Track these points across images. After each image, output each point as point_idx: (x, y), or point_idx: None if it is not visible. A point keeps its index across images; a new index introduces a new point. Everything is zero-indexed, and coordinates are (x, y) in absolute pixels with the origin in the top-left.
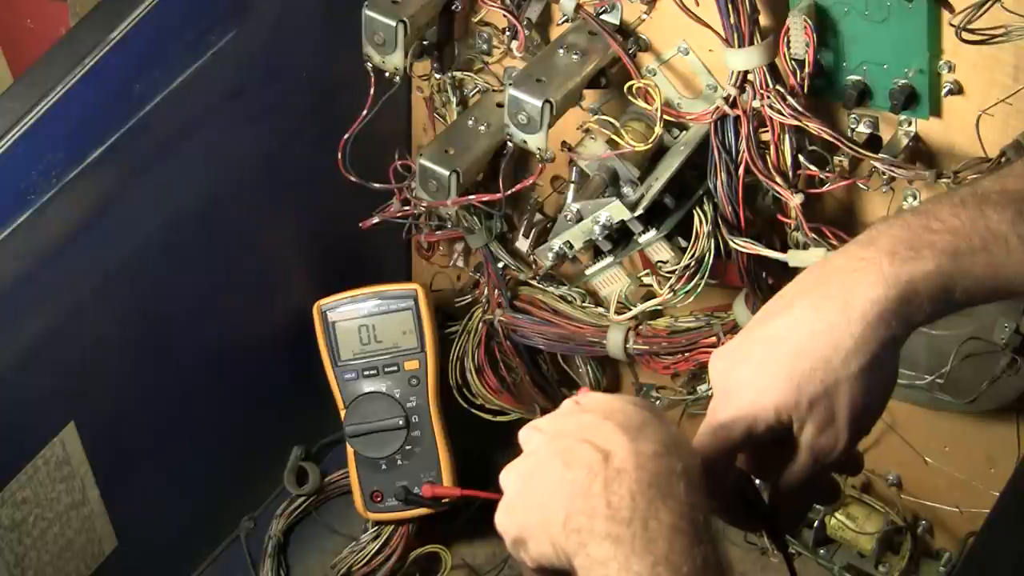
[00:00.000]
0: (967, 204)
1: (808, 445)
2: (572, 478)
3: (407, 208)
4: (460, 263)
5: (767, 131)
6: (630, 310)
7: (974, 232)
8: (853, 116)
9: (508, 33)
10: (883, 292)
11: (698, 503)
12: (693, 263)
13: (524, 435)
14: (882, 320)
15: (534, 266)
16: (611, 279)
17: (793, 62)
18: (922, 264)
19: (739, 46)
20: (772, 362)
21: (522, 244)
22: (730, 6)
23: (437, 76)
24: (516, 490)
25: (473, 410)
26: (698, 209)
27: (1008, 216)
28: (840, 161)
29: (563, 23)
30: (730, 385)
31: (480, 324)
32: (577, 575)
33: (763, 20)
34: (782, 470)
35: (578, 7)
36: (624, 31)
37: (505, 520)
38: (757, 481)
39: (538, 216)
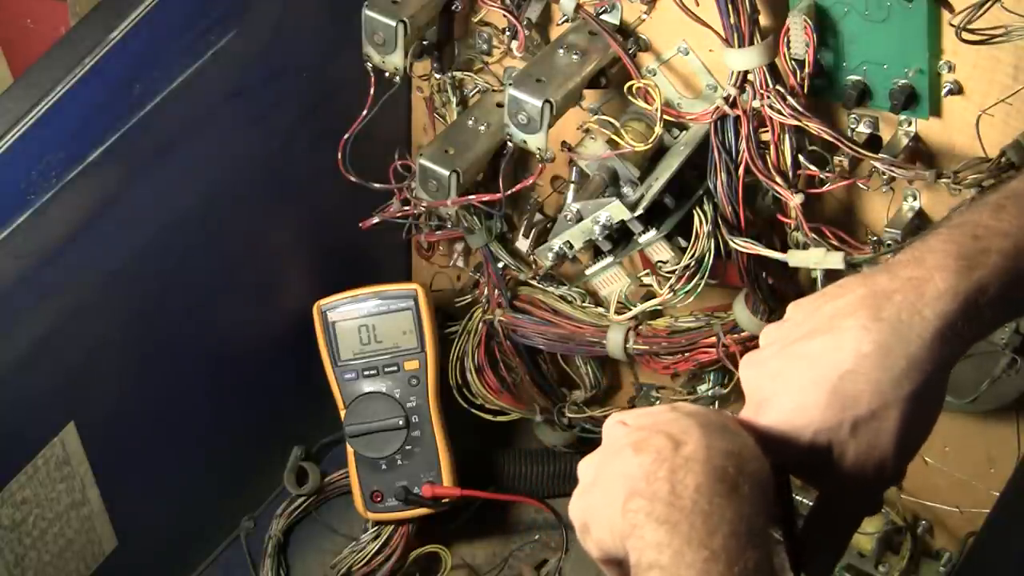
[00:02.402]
0: (1006, 207)
1: (848, 470)
2: (639, 462)
3: (407, 208)
4: (460, 263)
5: (767, 131)
6: (630, 310)
7: (1021, 229)
8: (853, 116)
9: (508, 33)
10: (941, 309)
11: (761, 508)
12: (693, 263)
13: (608, 427)
14: (940, 339)
15: (534, 266)
16: (611, 279)
17: (793, 62)
18: (979, 272)
19: (739, 46)
20: (813, 382)
21: (522, 244)
22: (730, 6)
23: (437, 76)
24: (588, 478)
25: (473, 410)
26: (698, 209)
27: None
28: (840, 161)
29: (563, 23)
30: (763, 399)
31: (480, 324)
32: (629, 561)
33: (763, 20)
34: (819, 493)
35: (578, 7)
36: (624, 31)
37: (574, 507)
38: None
39: (538, 216)
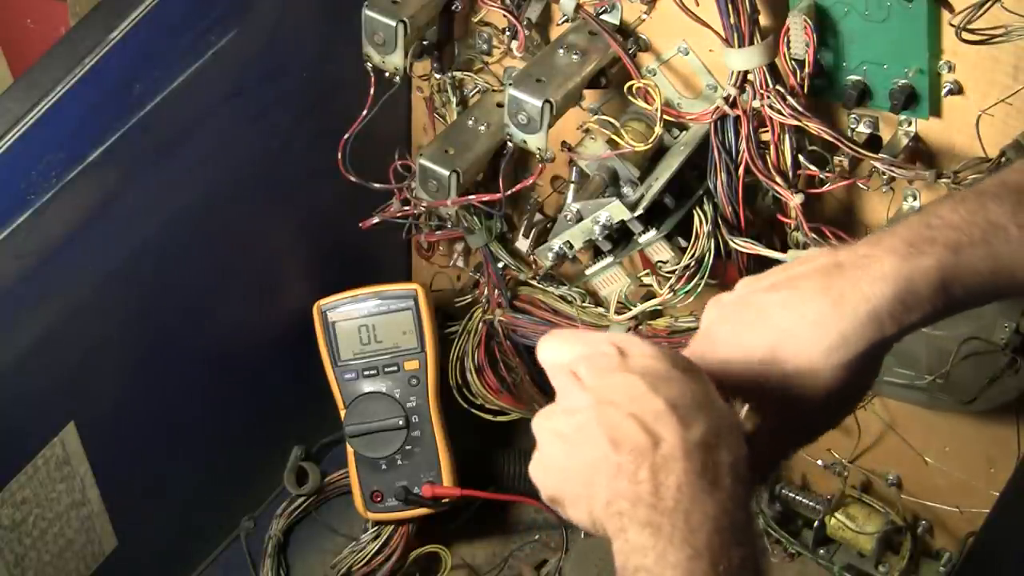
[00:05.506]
0: (967, 200)
1: (769, 418)
2: (618, 461)
3: (407, 208)
4: (460, 263)
5: (767, 131)
6: (630, 310)
7: (974, 225)
8: (853, 116)
9: (508, 33)
10: (879, 290)
11: (742, 501)
12: (693, 263)
13: (563, 384)
14: (873, 319)
15: (534, 266)
16: (611, 279)
17: (793, 62)
18: (922, 260)
19: (739, 46)
20: (760, 332)
21: (522, 244)
22: (730, 6)
23: (437, 76)
24: (555, 452)
25: (473, 410)
26: (698, 209)
27: (1007, 208)
28: (840, 161)
29: (563, 23)
30: (717, 337)
31: (480, 324)
32: (614, 553)
33: (763, 20)
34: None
35: (578, 7)
36: (624, 31)
37: (542, 478)
38: None
39: (538, 216)
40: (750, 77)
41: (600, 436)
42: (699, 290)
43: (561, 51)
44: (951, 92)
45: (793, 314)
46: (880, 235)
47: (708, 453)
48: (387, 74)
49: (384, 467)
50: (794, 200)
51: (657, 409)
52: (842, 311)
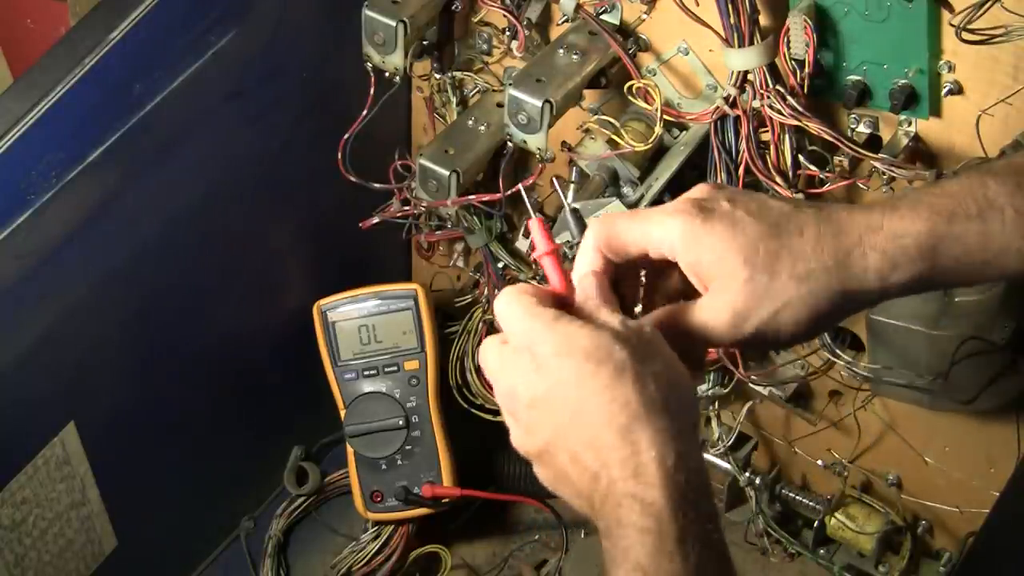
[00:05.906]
0: (971, 176)
1: (707, 316)
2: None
3: (407, 208)
4: (460, 263)
5: (767, 131)
6: None
7: (971, 199)
8: (853, 116)
9: (508, 33)
10: (872, 240)
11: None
12: None
13: (522, 362)
14: (859, 264)
15: (534, 266)
16: None
17: (793, 62)
18: (916, 223)
19: (739, 46)
20: (754, 222)
21: (522, 244)
22: (730, 6)
23: (437, 76)
24: (531, 436)
25: (473, 410)
26: None
27: (1008, 188)
28: (840, 161)
29: (563, 23)
30: (715, 205)
31: (480, 324)
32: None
33: (763, 20)
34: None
35: (578, 7)
36: (624, 31)
37: (539, 474)
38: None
39: None
40: (750, 77)
41: (555, 472)
42: None
43: (561, 51)
44: (951, 92)
45: (792, 223)
46: (893, 195)
47: (684, 488)
48: (387, 74)
49: (384, 467)
50: None
51: (584, 443)
52: (836, 246)
